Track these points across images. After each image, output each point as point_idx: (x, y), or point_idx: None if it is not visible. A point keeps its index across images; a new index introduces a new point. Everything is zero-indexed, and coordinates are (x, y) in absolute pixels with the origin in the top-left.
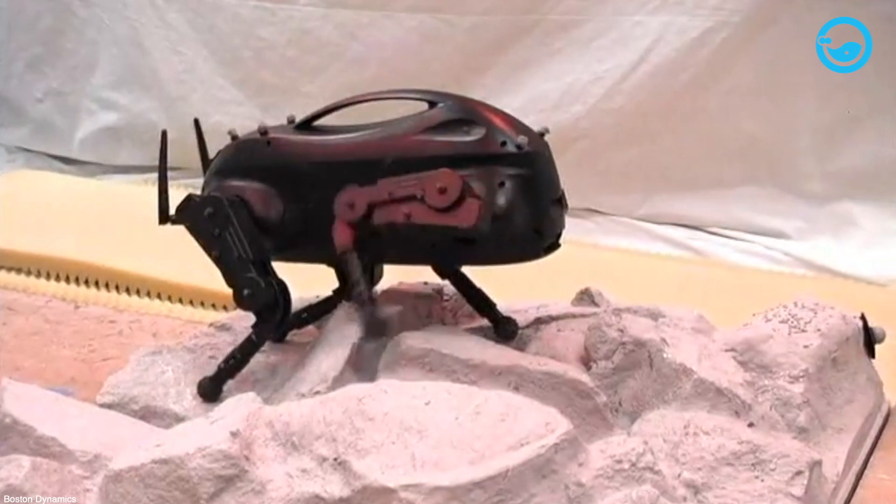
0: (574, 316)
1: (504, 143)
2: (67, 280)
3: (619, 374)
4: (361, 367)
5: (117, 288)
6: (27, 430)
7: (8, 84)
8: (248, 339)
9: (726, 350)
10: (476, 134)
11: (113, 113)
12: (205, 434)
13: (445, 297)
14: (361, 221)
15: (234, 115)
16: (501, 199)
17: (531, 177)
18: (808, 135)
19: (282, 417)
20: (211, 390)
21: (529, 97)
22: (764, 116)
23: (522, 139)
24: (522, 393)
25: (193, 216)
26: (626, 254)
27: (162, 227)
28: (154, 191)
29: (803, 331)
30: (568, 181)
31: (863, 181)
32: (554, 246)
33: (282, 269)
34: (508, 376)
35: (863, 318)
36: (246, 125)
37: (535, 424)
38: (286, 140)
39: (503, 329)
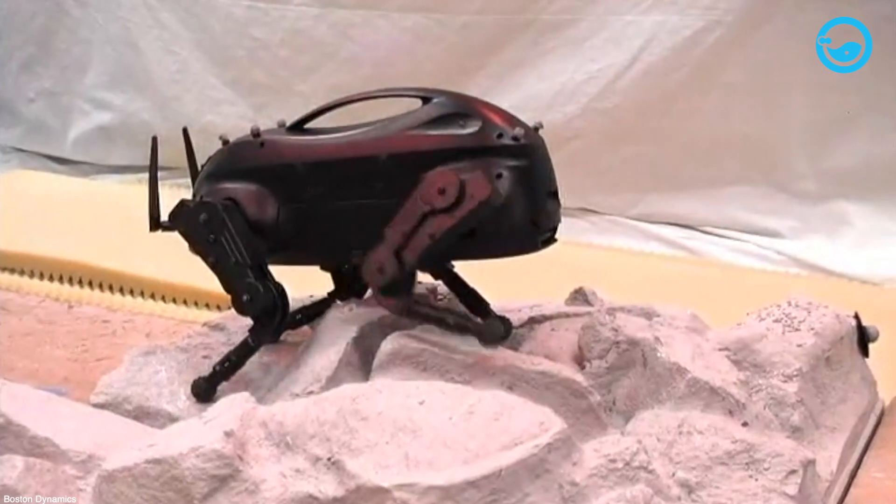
0: (568, 315)
1: (500, 136)
2: (61, 280)
3: (613, 374)
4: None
5: (111, 288)
6: (21, 430)
7: (1, 84)
8: (245, 343)
9: (720, 349)
10: (472, 127)
11: (106, 113)
12: (198, 434)
13: (439, 297)
14: (399, 275)
15: (227, 114)
16: (499, 191)
17: (528, 168)
18: (802, 134)
19: (275, 417)
20: (205, 391)
21: (523, 97)
22: (757, 116)
23: (519, 131)
24: (516, 392)
25: (188, 222)
26: (620, 253)
27: (160, 217)
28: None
29: (797, 330)
30: (561, 181)
31: (856, 180)
32: (550, 240)
33: (276, 268)
34: (502, 376)
35: (856, 317)
36: (239, 125)
37: (529, 424)
38: (280, 141)
39: None
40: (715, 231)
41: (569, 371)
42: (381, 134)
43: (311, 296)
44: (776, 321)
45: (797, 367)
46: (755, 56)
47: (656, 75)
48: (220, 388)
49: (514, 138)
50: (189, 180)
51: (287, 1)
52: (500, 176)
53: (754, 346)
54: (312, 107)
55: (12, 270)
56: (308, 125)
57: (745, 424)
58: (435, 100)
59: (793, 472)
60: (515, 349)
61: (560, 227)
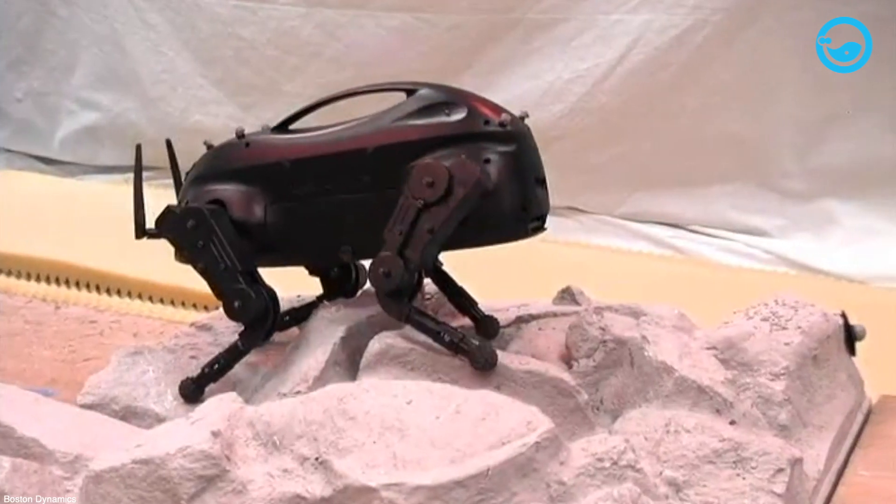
0: (555, 314)
1: (487, 122)
2: (48, 280)
3: (601, 373)
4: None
5: (98, 288)
6: (7, 431)
7: None
8: (235, 346)
9: (707, 348)
10: (457, 115)
11: (93, 113)
12: (186, 434)
13: (427, 296)
14: (406, 276)
15: (215, 114)
16: (488, 172)
17: (516, 153)
18: (789, 133)
19: (263, 417)
20: (193, 392)
21: (510, 96)
22: (745, 114)
23: (505, 117)
24: (504, 392)
25: (175, 229)
26: (608, 252)
27: (146, 224)
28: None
29: (784, 328)
30: (549, 180)
31: (843, 179)
32: (540, 228)
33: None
34: (490, 375)
35: (843, 315)
36: (227, 124)
37: (517, 423)
38: (265, 140)
39: (485, 328)
40: (702, 230)
41: (556, 370)
42: (366, 128)
43: (299, 296)
44: (763, 320)
45: (784, 365)
46: (743, 55)
47: (644, 74)
48: (207, 388)
49: (501, 124)
50: (174, 186)
51: (274, 1)
52: (488, 161)
53: (741, 344)
54: (300, 106)
55: None
56: (293, 125)
57: (732, 423)
58: (419, 91)
59: (780, 470)
60: (503, 349)
61: (548, 226)
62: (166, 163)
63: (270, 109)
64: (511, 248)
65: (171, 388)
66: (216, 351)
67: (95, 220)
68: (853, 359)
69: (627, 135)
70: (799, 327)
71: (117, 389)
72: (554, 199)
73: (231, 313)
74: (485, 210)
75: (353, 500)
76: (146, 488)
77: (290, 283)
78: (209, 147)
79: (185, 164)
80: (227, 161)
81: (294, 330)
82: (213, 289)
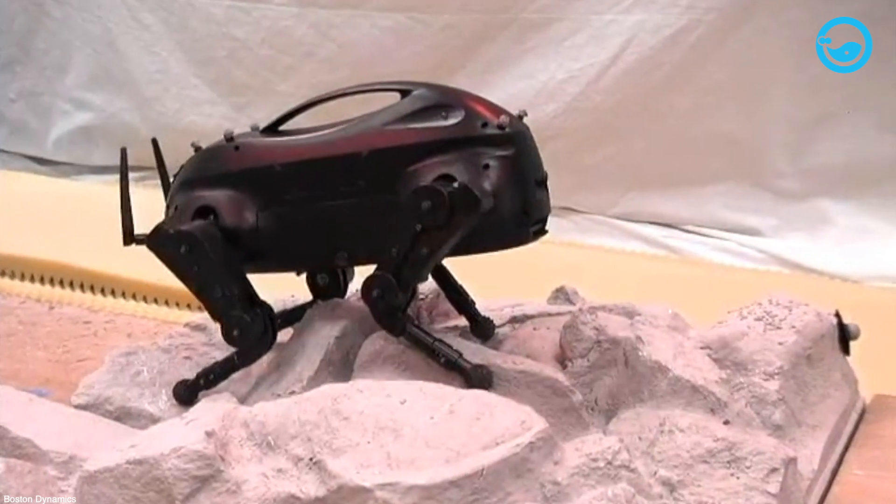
0: (549, 314)
1: (485, 125)
2: (42, 281)
3: (595, 373)
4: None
5: (92, 288)
6: (2, 431)
7: None
8: (231, 360)
9: (701, 347)
10: (454, 118)
11: (87, 113)
12: (180, 434)
13: (421, 296)
14: (400, 297)
15: (209, 114)
16: (487, 182)
17: (515, 157)
18: (783, 132)
19: (257, 417)
20: (186, 396)
21: (504, 96)
22: (738, 114)
23: (503, 119)
24: (498, 391)
25: (168, 251)
26: (602, 252)
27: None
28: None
29: (778, 328)
30: None
31: (837, 179)
32: (541, 231)
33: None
34: None
35: (837, 314)
36: (220, 124)
37: (511, 423)
38: (255, 143)
39: (480, 329)
40: (696, 230)
41: (550, 370)
42: (360, 130)
43: (293, 295)
44: (757, 319)
45: (778, 365)
46: (736, 54)
47: (638, 74)
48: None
49: (499, 127)
50: (161, 186)
51: (268, 1)
52: (486, 166)
53: (735, 344)
54: (294, 106)
55: None
56: (283, 126)
57: (726, 423)
58: (415, 92)
59: (774, 469)
60: (497, 348)
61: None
62: None
63: (264, 109)
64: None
65: (165, 389)
66: (211, 351)
67: (89, 220)
68: (847, 358)
69: (621, 134)
70: (793, 327)
71: (111, 390)
72: None
73: (229, 340)
74: (485, 218)
75: (347, 500)
76: (140, 489)
77: (286, 284)
78: (197, 149)
79: (178, 165)
80: (216, 165)
81: (288, 329)
82: (208, 311)
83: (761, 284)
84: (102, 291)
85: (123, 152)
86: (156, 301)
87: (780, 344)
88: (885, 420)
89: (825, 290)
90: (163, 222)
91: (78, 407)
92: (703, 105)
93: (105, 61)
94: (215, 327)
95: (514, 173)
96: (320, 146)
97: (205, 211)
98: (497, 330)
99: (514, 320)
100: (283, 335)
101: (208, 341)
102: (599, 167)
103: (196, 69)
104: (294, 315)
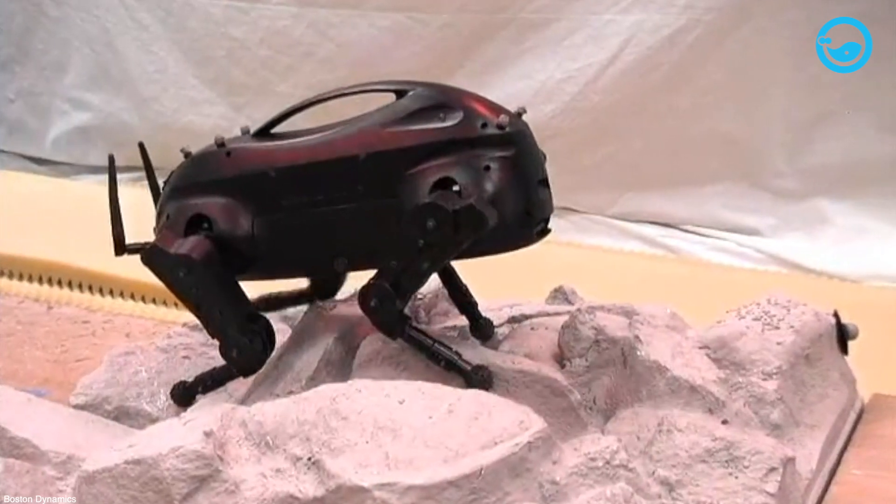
0: (548, 314)
1: (484, 125)
2: (40, 281)
3: (593, 372)
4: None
5: (90, 288)
6: (0, 431)
7: None
8: (229, 370)
9: (700, 347)
10: (453, 119)
11: (85, 113)
12: (178, 434)
13: (419, 296)
14: (398, 306)
15: (207, 114)
16: (488, 184)
17: (516, 157)
18: (781, 132)
19: (255, 417)
20: (184, 397)
21: (502, 96)
22: (737, 114)
23: (503, 119)
24: (496, 391)
25: (166, 273)
26: (600, 251)
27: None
28: (128, 192)
29: (776, 328)
30: None
31: (835, 178)
32: (545, 231)
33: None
34: None
35: (836, 314)
36: (219, 124)
37: (509, 423)
38: (247, 148)
39: (480, 329)
40: (695, 229)
41: (549, 370)
42: (357, 132)
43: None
44: (755, 319)
45: (777, 364)
46: (735, 55)
47: (636, 74)
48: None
49: (499, 126)
50: (162, 181)
51: (266, 0)
52: (487, 168)
53: (734, 344)
54: (287, 108)
55: None
56: (277, 129)
57: (724, 422)
58: (411, 92)
59: (773, 469)
60: (495, 348)
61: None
62: (157, 162)
63: (263, 109)
64: None
65: (163, 389)
66: (209, 351)
67: (87, 220)
68: (846, 358)
69: (619, 134)
70: (791, 326)
71: (110, 390)
72: None
73: (227, 359)
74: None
75: (345, 500)
76: (138, 488)
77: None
78: (187, 155)
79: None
80: (207, 172)
81: (287, 329)
82: (206, 329)
83: (760, 284)
84: (101, 291)
85: (111, 159)
86: (154, 301)
87: (779, 344)
88: (884, 420)
89: (823, 290)
90: (157, 239)
91: (76, 407)
92: (702, 105)
93: (103, 61)
94: None
95: (516, 174)
96: (315, 149)
97: (198, 219)
98: (495, 330)
99: (513, 320)
100: (282, 335)
101: (206, 341)
102: (598, 167)
103: (194, 69)
104: (286, 302)
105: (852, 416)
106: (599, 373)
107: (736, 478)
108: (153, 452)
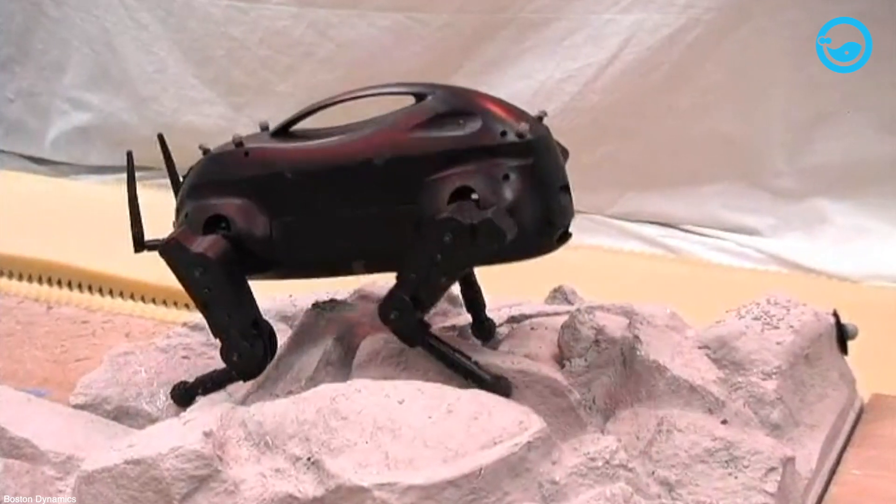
0: (547, 314)
1: (504, 133)
2: (40, 281)
3: (593, 372)
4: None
5: (90, 288)
6: None
7: None
8: (229, 373)
9: (699, 347)
10: (472, 126)
11: (85, 113)
12: (178, 434)
13: None
14: (417, 316)
15: (207, 114)
16: (507, 194)
17: (536, 166)
18: (781, 132)
19: (255, 417)
20: (183, 398)
21: (502, 95)
22: (737, 114)
23: (523, 126)
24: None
25: (182, 269)
26: (600, 251)
27: (144, 237)
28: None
29: (776, 328)
30: None
31: (835, 178)
32: (565, 236)
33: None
34: None
35: (835, 314)
36: (219, 125)
37: (509, 423)
38: (265, 149)
39: (483, 330)
40: (694, 229)
41: (548, 370)
42: (375, 136)
43: (291, 295)
44: (755, 319)
45: (776, 364)
46: (735, 54)
47: (636, 74)
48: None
49: (519, 135)
50: (170, 183)
51: (266, 0)
52: (507, 177)
53: (733, 343)
54: (292, 106)
55: None
56: (293, 128)
57: (724, 422)
58: (430, 96)
59: (772, 469)
60: (495, 348)
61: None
62: (159, 162)
63: (263, 109)
64: None
65: (163, 389)
66: (209, 351)
67: (87, 220)
68: (845, 358)
69: (619, 134)
70: (791, 326)
71: (109, 390)
72: None
73: (228, 362)
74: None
75: (345, 500)
76: (138, 488)
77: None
78: (205, 152)
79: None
80: (226, 171)
81: (287, 329)
82: (210, 328)
83: (759, 284)
84: (100, 291)
85: (129, 156)
86: (154, 301)
87: (778, 343)
88: (884, 420)
89: (823, 290)
90: (177, 233)
91: (76, 407)
92: (702, 105)
93: (103, 61)
94: None
95: (535, 183)
96: (334, 152)
97: (216, 219)
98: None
99: (513, 320)
100: (282, 335)
101: (206, 341)
102: (597, 167)
103: (194, 69)
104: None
105: (852, 416)
106: (599, 373)
107: (735, 478)
108: (153, 452)
